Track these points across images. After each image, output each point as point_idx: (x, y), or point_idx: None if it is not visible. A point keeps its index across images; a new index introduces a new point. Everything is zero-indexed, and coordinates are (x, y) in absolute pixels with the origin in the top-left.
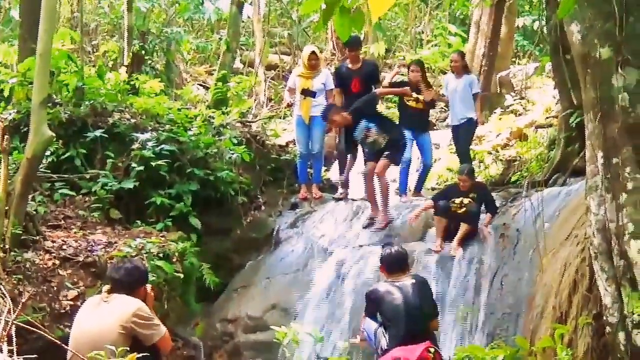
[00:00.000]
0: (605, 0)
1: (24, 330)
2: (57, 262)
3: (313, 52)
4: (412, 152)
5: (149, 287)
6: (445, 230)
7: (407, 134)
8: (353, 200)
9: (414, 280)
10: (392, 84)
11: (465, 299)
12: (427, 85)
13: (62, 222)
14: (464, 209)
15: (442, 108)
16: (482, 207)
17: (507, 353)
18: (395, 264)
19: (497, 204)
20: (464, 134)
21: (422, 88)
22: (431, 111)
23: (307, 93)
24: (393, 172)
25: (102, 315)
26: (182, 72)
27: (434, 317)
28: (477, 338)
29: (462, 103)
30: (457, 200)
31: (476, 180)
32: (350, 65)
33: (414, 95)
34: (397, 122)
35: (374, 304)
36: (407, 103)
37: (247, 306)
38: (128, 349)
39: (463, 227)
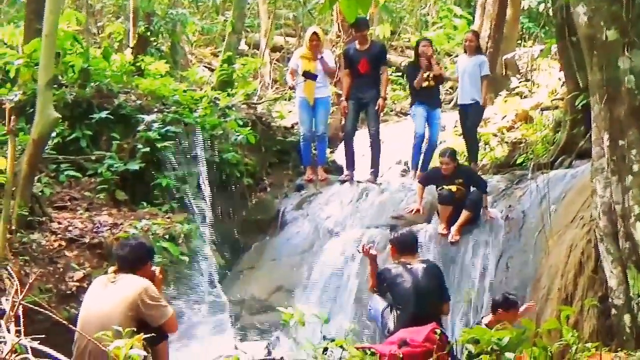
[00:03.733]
0: None
1: (31, 311)
2: (63, 243)
3: (315, 33)
4: (425, 128)
5: (157, 269)
6: (450, 216)
7: (420, 109)
8: (358, 182)
9: (425, 265)
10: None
11: (471, 281)
12: (435, 61)
13: (68, 203)
14: (458, 192)
15: (447, 90)
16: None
17: (512, 335)
18: (406, 246)
19: (502, 186)
20: (471, 116)
21: (432, 62)
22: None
23: (309, 76)
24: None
25: (110, 296)
26: (187, 54)
27: (444, 301)
28: (482, 320)
29: (470, 84)
30: (446, 188)
31: (459, 163)
32: (358, 47)
33: (425, 74)
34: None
35: (383, 284)
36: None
37: (252, 288)
38: (135, 329)
39: (464, 215)
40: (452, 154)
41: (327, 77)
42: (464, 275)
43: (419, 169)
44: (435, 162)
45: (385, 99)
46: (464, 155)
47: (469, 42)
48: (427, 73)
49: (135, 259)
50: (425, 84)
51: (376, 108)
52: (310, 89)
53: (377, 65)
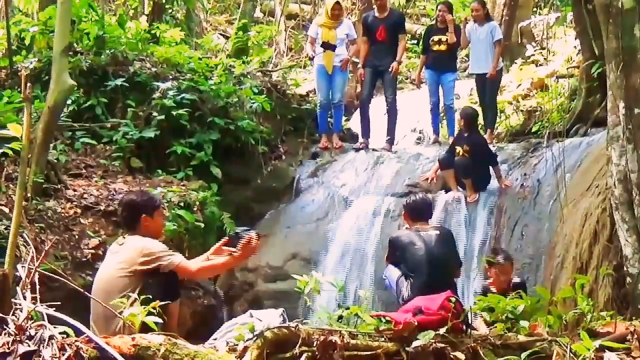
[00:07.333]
0: None
1: (47, 278)
2: (79, 210)
3: (337, 2)
4: (438, 93)
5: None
6: (457, 179)
7: (429, 73)
8: (373, 150)
9: (438, 232)
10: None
11: (486, 249)
12: (453, 27)
13: (83, 170)
14: (460, 157)
15: (462, 58)
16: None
17: (527, 303)
18: (419, 212)
19: (518, 154)
20: (490, 84)
21: (449, 29)
22: None
23: (328, 46)
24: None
25: (114, 261)
26: (202, 21)
27: (456, 267)
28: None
29: (486, 52)
30: (457, 149)
31: (477, 131)
32: (377, 14)
33: (437, 37)
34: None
35: (396, 252)
36: (431, 47)
37: (267, 255)
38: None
39: (468, 184)
40: (469, 115)
41: (350, 46)
42: (479, 243)
43: (439, 135)
44: None
45: (400, 63)
46: (479, 125)
47: (475, 13)
48: (439, 37)
49: (127, 218)
50: (436, 47)
51: (390, 70)
52: (329, 58)
53: (395, 34)
